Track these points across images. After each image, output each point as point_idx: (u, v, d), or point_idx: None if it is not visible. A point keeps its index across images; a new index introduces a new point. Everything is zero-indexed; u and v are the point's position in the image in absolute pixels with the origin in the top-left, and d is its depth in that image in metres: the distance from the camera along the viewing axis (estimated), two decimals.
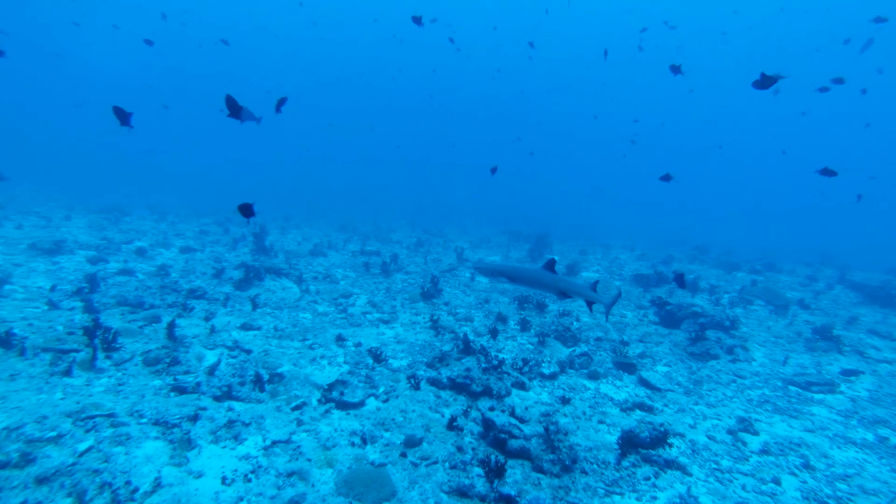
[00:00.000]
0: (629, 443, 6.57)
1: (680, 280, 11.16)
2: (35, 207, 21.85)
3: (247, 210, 5.95)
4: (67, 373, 7.00)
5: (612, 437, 7.00)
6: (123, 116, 6.31)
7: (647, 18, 49.47)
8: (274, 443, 6.05)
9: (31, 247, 14.25)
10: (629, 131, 60.89)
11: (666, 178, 12.72)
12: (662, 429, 6.68)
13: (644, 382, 9.36)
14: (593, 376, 9.42)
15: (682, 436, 7.33)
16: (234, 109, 6.27)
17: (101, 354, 7.55)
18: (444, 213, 43.69)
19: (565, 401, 8.09)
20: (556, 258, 7.88)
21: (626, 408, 8.17)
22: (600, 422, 7.60)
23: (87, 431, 5.63)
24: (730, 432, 7.57)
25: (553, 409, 7.81)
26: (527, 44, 33.11)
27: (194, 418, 6.21)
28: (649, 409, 8.18)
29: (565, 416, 7.64)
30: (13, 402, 6.15)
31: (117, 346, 7.89)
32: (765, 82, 7.51)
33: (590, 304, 7.83)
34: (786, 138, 73.31)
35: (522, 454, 6.14)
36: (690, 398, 8.95)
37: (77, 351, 7.52)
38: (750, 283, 18.96)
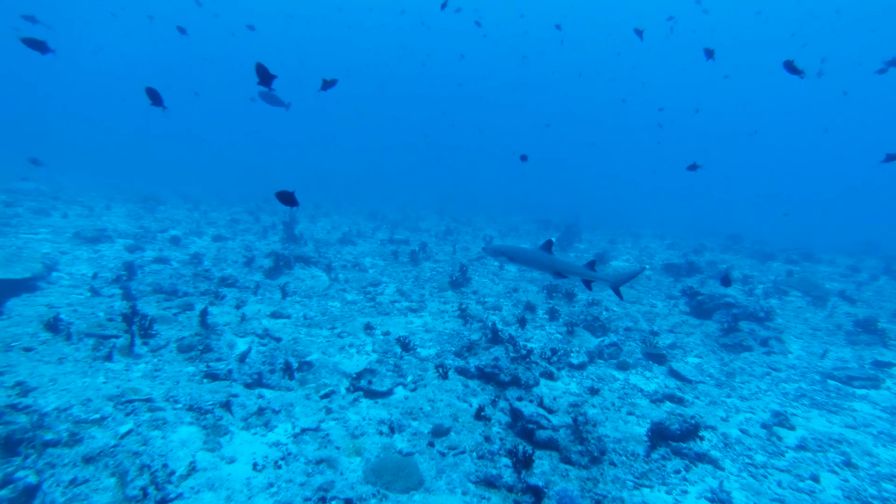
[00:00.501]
0: (659, 435, 6.48)
1: (726, 280, 10.92)
2: (79, 197, 22.61)
3: (288, 198, 5.97)
4: (108, 358, 7.27)
5: (642, 429, 6.91)
6: (155, 97, 6.46)
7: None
8: (303, 430, 6.17)
9: (75, 235, 14.79)
10: (659, 117, 59.25)
11: (692, 167, 12.40)
12: (693, 421, 6.56)
13: (674, 374, 9.20)
14: (622, 367, 9.30)
15: (713, 429, 7.18)
16: (265, 78, 6.32)
17: (138, 341, 7.81)
18: (473, 202, 43.55)
19: (594, 391, 8.01)
20: (553, 239, 7.92)
21: (656, 399, 8.05)
22: (629, 413, 7.51)
23: (128, 415, 5.85)
24: (764, 426, 7.37)
25: (581, 399, 7.75)
26: (554, 28, 32.36)
27: (226, 405, 6.37)
28: (679, 401, 8.03)
29: (594, 406, 7.57)
30: (61, 384, 6.43)
31: (153, 332, 8.14)
32: (791, 69, 7.30)
33: (587, 283, 7.82)
34: (827, 121, 70.35)
35: (550, 445, 6.12)
36: (722, 390, 8.76)
37: (117, 337, 7.80)
38: (786, 274, 18.38)
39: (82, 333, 7.81)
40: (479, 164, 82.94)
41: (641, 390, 8.42)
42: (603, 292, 14.32)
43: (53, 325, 7.74)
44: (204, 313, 9.03)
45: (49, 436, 5.40)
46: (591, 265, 7.84)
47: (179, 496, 4.75)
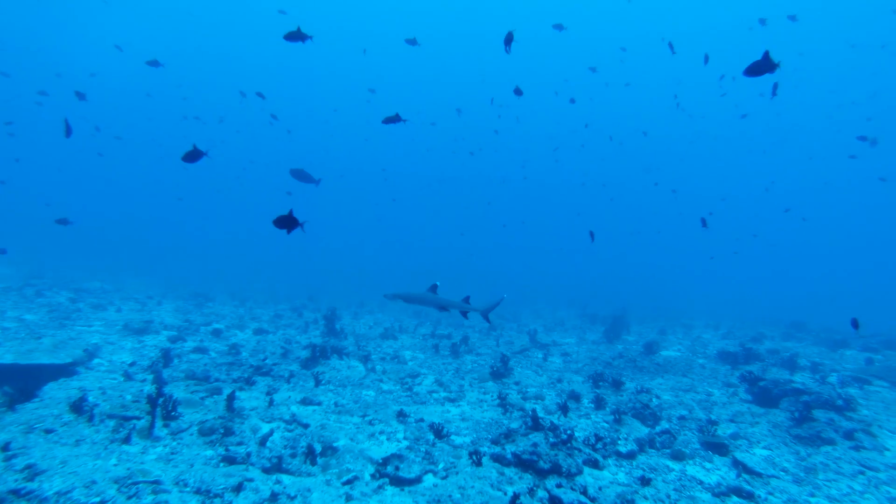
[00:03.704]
0: None
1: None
2: (135, 294, 23.72)
3: (286, 222, 5.66)
4: (126, 440, 7.02)
5: None
6: (193, 156, 6.53)
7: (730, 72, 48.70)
8: None
9: (124, 327, 15.31)
10: (712, 204, 58.25)
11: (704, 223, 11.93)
12: None
13: (740, 465, 8.05)
14: (677, 457, 8.24)
15: None
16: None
17: (159, 423, 7.56)
18: (519, 296, 42.96)
19: (645, 481, 7.04)
20: (438, 283, 9.64)
21: (720, 492, 6.97)
22: None
23: (129, 498, 5.46)
24: None
25: (631, 490, 6.79)
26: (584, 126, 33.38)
27: (238, 488, 5.91)
28: (749, 496, 6.91)
29: (646, 499, 6.60)
30: (71, 467, 6.17)
31: (176, 414, 7.90)
32: (764, 66, 6.65)
33: (464, 313, 9.25)
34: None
35: None
36: (803, 488, 7.53)
37: (138, 418, 7.60)
38: (864, 362, 16.65)
39: (105, 415, 7.66)
40: (523, 257, 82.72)
41: (701, 482, 7.34)
42: (653, 381, 13.30)
43: (78, 407, 7.65)
44: (231, 397, 8.78)
45: None
46: (466, 300, 9.41)
47: None
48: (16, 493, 5.44)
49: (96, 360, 11.27)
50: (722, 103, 47.97)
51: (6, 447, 6.42)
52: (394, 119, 8.89)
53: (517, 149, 73.69)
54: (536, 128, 70.45)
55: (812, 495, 7.29)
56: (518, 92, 10.37)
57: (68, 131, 7.87)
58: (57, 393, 8.57)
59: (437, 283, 9.36)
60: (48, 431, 7.06)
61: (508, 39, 9.55)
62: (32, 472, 5.90)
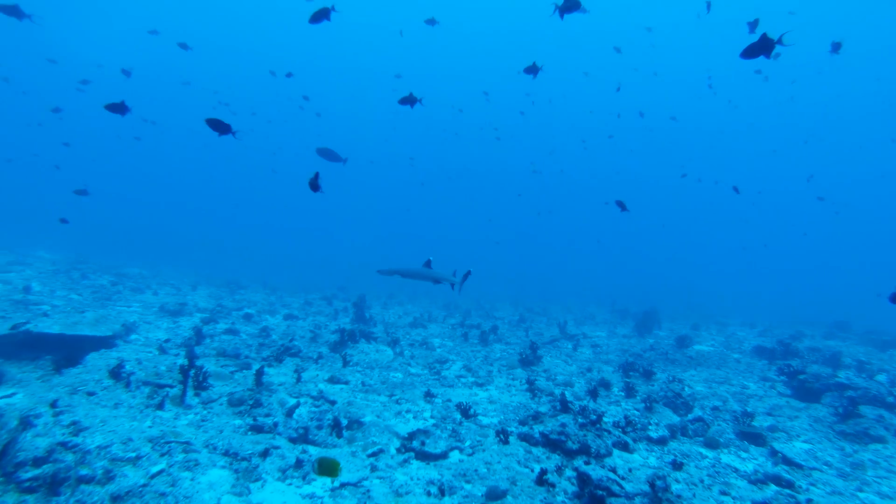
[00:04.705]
0: None
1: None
2: (171, 280, 24.43)
3: (315, 184, 5.66)
4: (160, 406, 7.19)
5: None
6: (221, 127, 6.44)
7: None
8: (343, 485, 5.58)
9: (160, 309, 15.74)
10: (751, 197, 56.00)
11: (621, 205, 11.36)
12: None
13: (778, 455, 7.72)
14: (711, 444, 7.96)
15: None
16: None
17: (190, 392, 7.72)
18: (548, 292, 42.56)
19: (677, 465, 6.81)
20: (430, 258, 9.79)
21: (757, 479, 6.69)
22: (723, 493, 6.24)
23: (162, 455, 5.59)
24: None
25: (663, 472, 6.59)
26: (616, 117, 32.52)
27: (264, 454, 5.97)
28: (789, 485, 6.62)
29: (677, 482, 6.38)
30: (111, 426, 6.35)
31: (207, 385, 8.05)
32: (761, 47, 6.18)
33: (452, 284, 9.77)
34: None
35: None
36: (849, 483, 7.17)
37: (171, 387, 7.78)
38: None
39: (140, 382, 7.88)
40: (553, 252, 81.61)
41: (737, 470, 7.07)
42: (685, 373, 12.96)
43: (116, 373, 7.88)
44: (259, 373, 8.89)
45: (84, 471, 5.22)
46: (454, 273, 9.88)
47: None
48: (63, 444, 5.67)
49: (133, 336, 11.61)
50: (760, 87, 45.88)
51: (54, 404, 6.69)
52: (409, 99, 8.81)
53: (546, 137, 72.36)
54: (565, 116, 68.92)
55: (860, 490, 6.94)
56: (530, 70, 10.10)
57: (123, 108, 8.09)
58: (98, 361, 8.85)
59: (431, 259, 9.71)
60: (90, 394, 7.31)
61: (533, 70, 9.90)
62: (77, 427, 6.11)
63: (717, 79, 47.56)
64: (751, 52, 6.41)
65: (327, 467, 4.54)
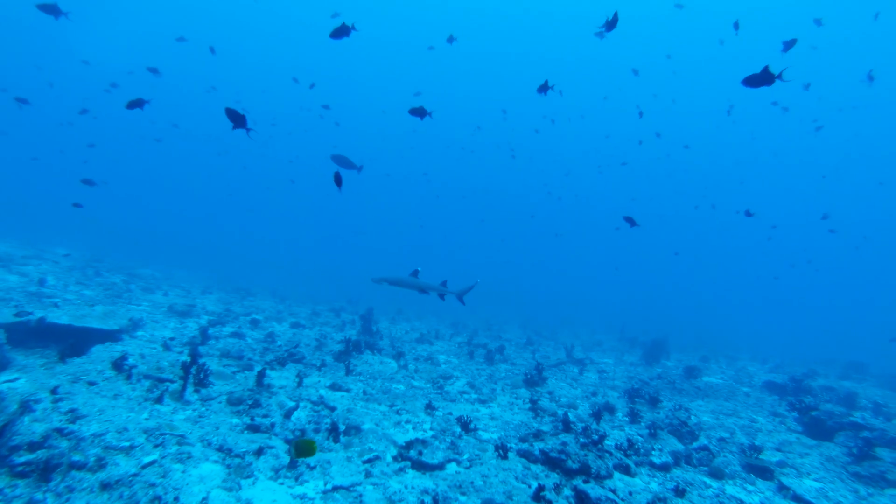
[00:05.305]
0: None
1: None
2: (182, 283, 24.61)
3: (338, 180, 5.69)
4: (159, 400, 7.16)
5: None
6: (238, 119, 6.36)
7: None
8: (335, 488, 5.48)
9: (169, 309, 15.82)
10: (763, 231, 55.17)
11: (630, 220, 11.24)
12: None
13: (787, 490, 7.46)
14: (716, 475, 7.71)
15: None
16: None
17: (190, 388, 7.69)
18: (558, 317, 42.13)
19: (680, 492, 6.60)
20: (418, 268, 10.34)
21: None
22: None
23: (155, 447, 5.55)
24: None
25: (664, 496, 6.38)
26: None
27: (259, 452, 5.90)
28: None
29: None
30: (108, 415, 6.34)
31: (207, 383, 8.02)
32: (762, 79, 6.30)
33: (441, 295, 10.02)
34: None
35: None
36: None
37: (172, 381, 7.77)
38: None
39: (141, 375, 7.87)
40: (567, 276, 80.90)
41: (742, 502, 6.83)
42: (692, 403, 12.67)
43: (119, 365, 7.90)
44: (261, 374, 8.85)
45: (77, 457, 5.19)
46: (444, 284, 10.12)
47: None
48: (59, 430, 5.66)
49: (140, 332, 11.66)
50: (780, 119, 45.62)
51: (55, 390, 6.71)
52: (419, 111, 8.90)
53: (562, 159, 72.33)
54: (582, 140, 68.97)
55: None
56: (542, 89, 10.21)
57: (142, 103, 8.33)
58: (102, 353, 8.89)
59: (419, 269, 10.10)
60: (91, 384, 7.31)
61: (545, 88, 10.14)
62: (74, 415, 6.11)
63: (738, 109, 47.54)
64: (752, 82, 6.55)
65: (304, 448, 4.42)
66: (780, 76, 6.44)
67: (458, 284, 10.93)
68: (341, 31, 9.14)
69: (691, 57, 56.50)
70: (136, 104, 8.48)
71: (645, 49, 56.82)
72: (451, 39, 16.69)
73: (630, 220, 11.30)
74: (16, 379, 7.08)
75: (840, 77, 50.00)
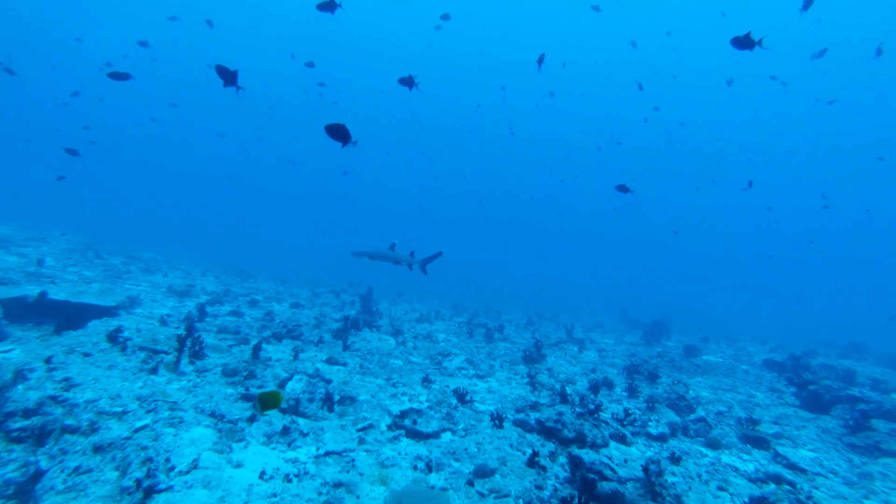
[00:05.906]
0: None
1: None
2: (183, 266, 24.64)
3: (340, 133, 5.56)
4: (154, 371, 7.15)
5: None
6: (228, 76, 6.22)
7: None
8: (328, 453, 5.48)
9: (168, 289, 15.83)
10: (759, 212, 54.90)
11: (622, 188, 11.13)
12: (811, 503, 5.08)
13: (782, 459, 7.46)
14: (712, 445, 7.71)
15: None
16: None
17: (185, 360, 7.69)
18: (559, 300, 42.16)
19: (675, 459, 6.59)
20: (395, 241, 11.22)
21: (757, 478, 6.45)
22: (720, 488, 6.01)
23: (148, 412, 5.55)
24: None
25: (658, 458, 6.37)
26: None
27: (252, 419, 5.89)
28: (791, 485, 6.37)
29: (674, 475, 6.17)
30: (102, 384, 6.34)
31: (203, 356, 8.02)
32: (745, 42, 6.96)
33: (410, 266, 10.80)
34: None
35: (615, 500, 4.91)
36: (855, 491, 6.89)
37: (167, 353, 7.76)
38: None
39: (136, 347, 7.87)
40: (567, 259, 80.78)
41: (737, 469, 6.82)
42: (691, 379, 12.67)
43: (114, 337, 7.89)
44: (257, 347, 8.86)
45: (70, 421, 5.20)
46: (412, 254, 10.92)
47: (169, 488, 4.23)
48: (53, 398, 5.67)
49: (138, 309, 11.66)
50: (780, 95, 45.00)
51: (49, 360, 6.72)
52: (408, 81, 8.79)
53: (561, 139, 71.67)
54: (582, 120, 68.25)
55: (867, 498, 6.66)
56: (540, 62, 10.13)
57: (126, 76, 8.26)
58: (98, 327, 8.88)
59: (396, 242, 10.87)
60: (86, 355, 7.31)
61: (541, 60, 10.46)
62: (69, 384, 6.12)
63: (740, 85, 46.96)
64: (737, 43, 7.23)
65: (268, 400, 4.38)
66: (759, 43, 7.05)
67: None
68: (328, 5, 9.06)
69: (692, 32, 55.58)
70: (120, 76, 8.38)
71: (644, 26, 56.03)
72: (445, 17, 16.40)
73: (623, 188, 11.14)
74: (10, 350, 7.09)
75: (846, 54, 49.24)
